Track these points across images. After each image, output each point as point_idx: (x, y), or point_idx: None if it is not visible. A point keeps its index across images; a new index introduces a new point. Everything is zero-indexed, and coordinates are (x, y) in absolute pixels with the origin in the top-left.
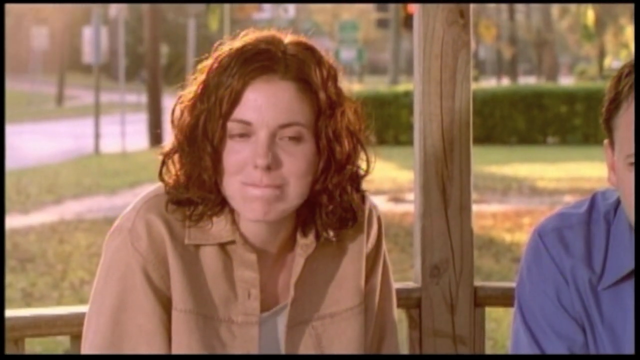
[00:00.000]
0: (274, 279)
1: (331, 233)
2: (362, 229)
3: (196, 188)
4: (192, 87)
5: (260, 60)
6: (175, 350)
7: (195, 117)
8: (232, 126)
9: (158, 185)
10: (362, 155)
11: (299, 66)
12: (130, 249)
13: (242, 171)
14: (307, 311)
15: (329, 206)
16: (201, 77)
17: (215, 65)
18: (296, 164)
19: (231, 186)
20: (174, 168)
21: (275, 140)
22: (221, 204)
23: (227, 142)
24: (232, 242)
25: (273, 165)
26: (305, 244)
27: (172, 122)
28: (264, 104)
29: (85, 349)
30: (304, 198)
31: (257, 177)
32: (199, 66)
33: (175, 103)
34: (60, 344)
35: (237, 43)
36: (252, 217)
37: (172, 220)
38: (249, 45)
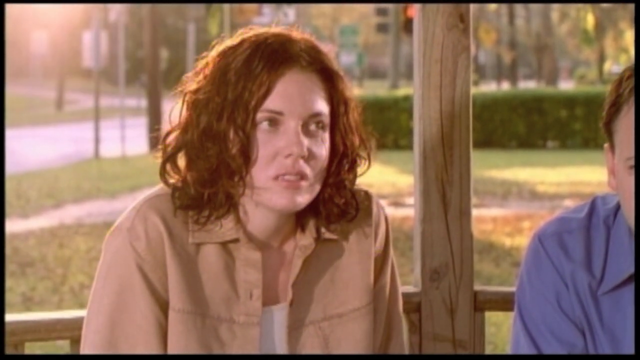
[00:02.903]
0: (275, 277)
1: (331, 232)
2: (370, 229)
3: (225, 178)
4: (198, 85)
5: (286, 51)
6: (173, 351)
7: (214, 110)
8: (261, 116)
9: (160, 186)
10: (363, 153)
11: (320, 58)
12: (129, 249)
13: (273, 161)
14: (311, 312)
15: (341, 199)
16: (208, 73)
17: (224, 60)
18: (323, 154)
19: (261, 177)
20: (177, 169)
21: (305, 129)
22: (228, 205)
23: (256, 133)
24: (236, 240)
25: (305, 153)
26: (304, 245)
27: (179, 121)
28: (295, 93)
29: (85, 349)
30: (319, 190)
31: (290, 164)
32: (200, 64)
33: (180, 101)
34: (60, 348)
35: (249, 36)
36: (280, 205)
37: (173, 220)
38: (271, 38)
